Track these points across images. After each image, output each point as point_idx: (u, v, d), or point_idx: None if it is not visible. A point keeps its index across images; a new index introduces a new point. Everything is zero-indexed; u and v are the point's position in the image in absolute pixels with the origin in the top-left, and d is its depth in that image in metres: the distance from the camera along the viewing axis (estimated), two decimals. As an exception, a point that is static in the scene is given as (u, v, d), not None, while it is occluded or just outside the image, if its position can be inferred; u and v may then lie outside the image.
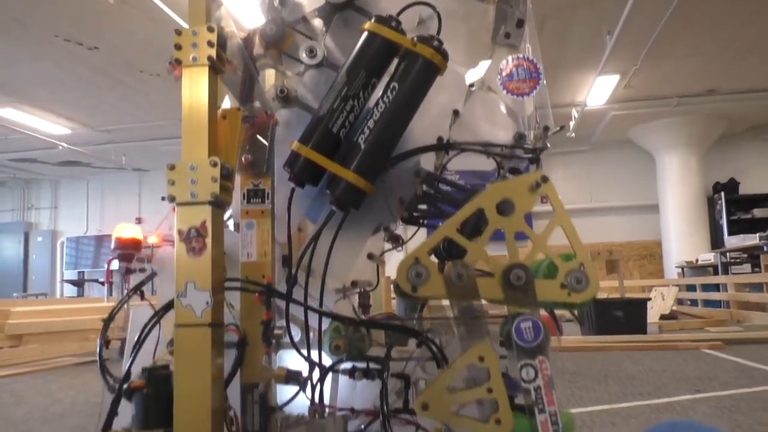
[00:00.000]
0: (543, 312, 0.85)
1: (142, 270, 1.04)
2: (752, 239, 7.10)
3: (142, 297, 1.05)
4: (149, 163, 10.87)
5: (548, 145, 1.07)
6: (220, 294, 0.94)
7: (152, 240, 1.09)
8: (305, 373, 1.01)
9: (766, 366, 3.24)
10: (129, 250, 1.00)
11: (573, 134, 9.15)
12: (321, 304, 1.02)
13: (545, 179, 0.89)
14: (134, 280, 1.01)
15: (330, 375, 1.02)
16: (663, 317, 6.36)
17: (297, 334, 1.03)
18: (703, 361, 3.60)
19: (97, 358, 1.04)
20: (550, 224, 0.98)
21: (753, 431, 1.70)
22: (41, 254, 12.30)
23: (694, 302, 7.74)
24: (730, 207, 9.40)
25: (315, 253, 1.02)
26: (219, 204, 0.97)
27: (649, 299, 6.00)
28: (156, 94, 7.58)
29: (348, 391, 1.05)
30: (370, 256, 1.14)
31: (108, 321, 1.07)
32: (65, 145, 9.31)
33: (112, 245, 1.00)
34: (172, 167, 0.96)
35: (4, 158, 10.35)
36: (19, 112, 7.99)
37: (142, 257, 1.05)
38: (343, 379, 1.04)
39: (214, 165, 0.95)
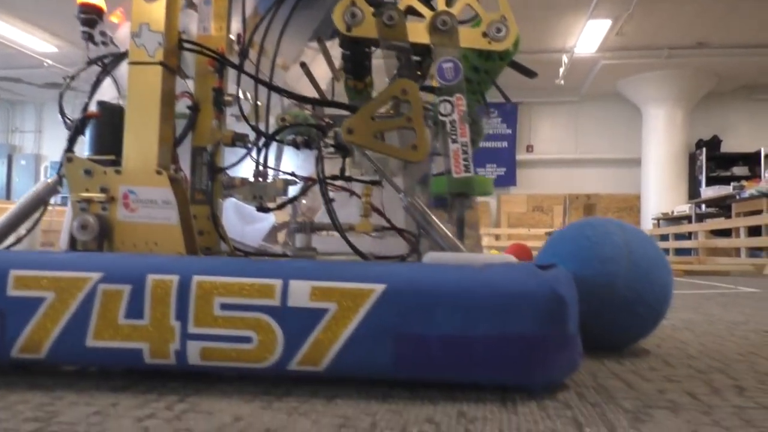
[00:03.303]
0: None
1: (104, 44, 1.09)
2: (726, 190, 7.25)
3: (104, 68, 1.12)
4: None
5: None
6: (173, 42, 1.00)
7: (114, 19, 1.12)
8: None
9: (709, 283, 3.41)
10: (92, 15, 1.03)
11: (562, 82, 9.17)
12: (270, 79, 1.09)
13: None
14: (93, 51, 1.06)
15: (276, 145, 1.10)
16: (633, 259, 6.52)
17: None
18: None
19: (59, 103, 1.11)
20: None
21: (689, 308, 1.85)
22: (24, 178, 12.26)
23: (666, 251, 7.94)
24: (711, 164, 9.54)
25: (267, 33, 1.09)
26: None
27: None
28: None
29: (292, 160, 1.13)
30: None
31: (71, 78, 1.14)
32: (50, 62, 9.18)
33: (76, 11, 1.04)
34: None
35: (-13, 74, 10.20)
36: (2, 24, 7.85)
37: (105, 31, 1.08)
38: (288, 150, 1.13)
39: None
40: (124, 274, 0.78)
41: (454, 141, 0.86)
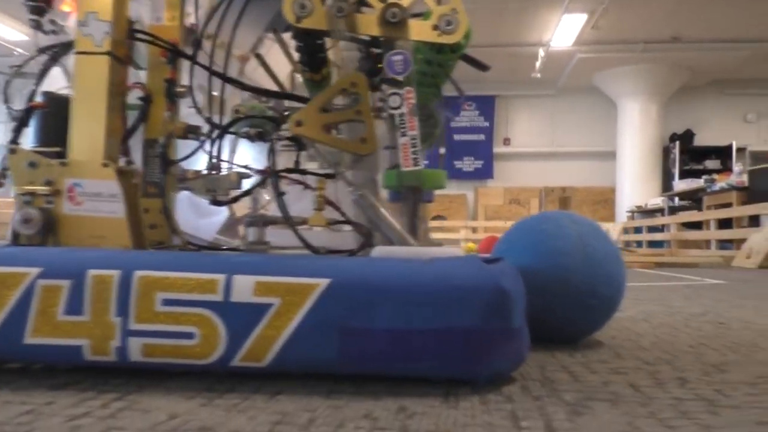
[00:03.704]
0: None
1: (54, 32, 1.05)
2: (698, 183, 7.37)
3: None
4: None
5: None
6: (122, 33, 0.98)
7: (66, 7, 1.09)
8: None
9: (677, 275, 3.46)
10: (39, 2, 0.99)
11: (539, 75, 9.23)
12: (225, 71, 1.08)
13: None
14: (43, 40, 1.03)
15: (230, 137, 1.09)
16: (606, 251, 6.60)
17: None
18: (633, 272, 3.81)
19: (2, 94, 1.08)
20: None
21: (652, 300, 1.87)
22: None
23: (639, 244, 8.05)
24: (684, 157, 9.67)
25: (221, 24, 1.07)
26: None
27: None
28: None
29: (249, 153, 1.12)
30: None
31: (19, 67, 1.11)
32: (21, 51, 9.00)
33: (24, -1, 1.01)
34: None
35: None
36: (-29, 10, 7.66)
37: (54, 20, 1.05)
38: (242, 142, 1.11)
39: None
40: (64, 269, 0.76)
41: (404, 134, 0.85)
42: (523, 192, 10.50)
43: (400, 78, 0.86)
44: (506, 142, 10.91)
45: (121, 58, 0.97)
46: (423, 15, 0.91)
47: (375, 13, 0.87)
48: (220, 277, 0.75)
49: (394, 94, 0.86)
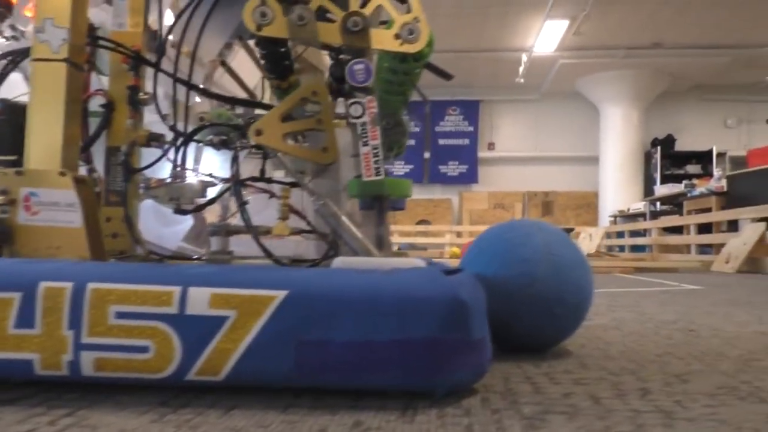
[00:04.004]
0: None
1: (15, 38, 1.03)
2: (679, 188, 7.44)
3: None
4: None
5: None
6: (81, 39, 0.96)
7: (28, 13, 1.07)
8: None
9: (656, 280, 3.48)
10: (0, 8, 0.97)
11: (522, 80, 9.28)
12: (190, 78, 1.06)
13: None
14: (3, 46, 1.01)
15: (195, 145, 1.07)
16: (589, 255, 6.65)
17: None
18: (612, 278, 3.83)
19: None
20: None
21: (626, 307, 1.88)
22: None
23: (621, 248, 8.11)
24: (665, 162, 9.77)
25: (186, 29, 1.06)
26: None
27: (572, 229, 6.26)
28: None
29: (214, 161, 1.11)
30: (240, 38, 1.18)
31: None
32: None
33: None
34: None
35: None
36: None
37: (15, 25, 1.03)
38: (207, 150, 1.10)
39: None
40: (15, 281, 0.74)
41: (365, 144, 0.84)
42: (507, 196, 10.54)
43: (362, 87, 0.85)
44: (491, 146, 10.95)
45: (79, 64, 0.95)
46: (387, 23, 0.91)
47: (337, 21, 0.86)
48: (176, 290, 0.73)
49: (356, 103, 0.85)
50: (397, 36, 0.87)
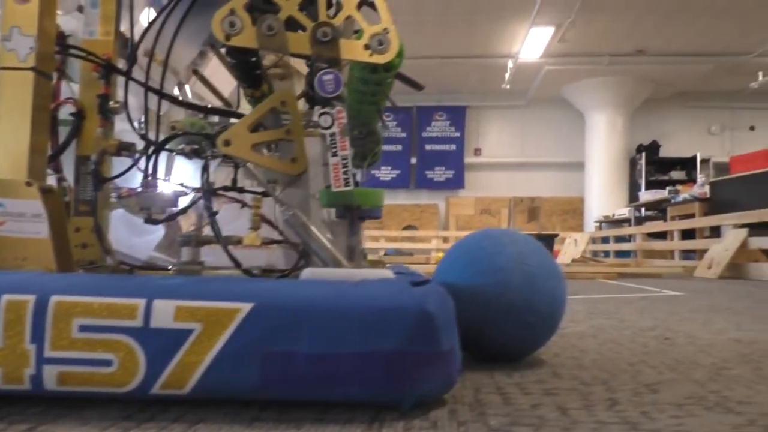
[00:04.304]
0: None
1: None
2: (663, 194, 7.50)
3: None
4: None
5: None
6: (49, 47, 0.95)
7: None
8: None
9: (638, 286, 3.51)
10: None
11: (508, 86, 9.33)
12: (161, 87, 1.05)
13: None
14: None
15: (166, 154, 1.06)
16: (574, 260, 6.68)
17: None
18: (595, 283, 3.85)
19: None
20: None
21: (605, 313, 1.88)
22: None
23: (606, 254, 8.15)
24: (650, 168, 9.85)
25: (158, 37, 1.05)
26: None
27: (557, 235, 6.28)
28: None
29: (183, 170, 1.10)
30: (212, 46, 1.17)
31: None
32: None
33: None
34: None
35: None
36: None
37: None
38: (178, 159, 1.09)
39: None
40: (-24, 293, 0.73)
41: (335, 154, 0.84)
42: (494, 202, 10.58)
43: (332, 97, 0.85)
44: (477, 152, 10.99)
45: (47, 73, 0.94)
46: (358, 33, 0.91)
47: (304, 34, 0.86)
48: (140, 302, 0.73)
49: (325, 113, 0.84)
50: (366, 46, 0.87)
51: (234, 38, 0.85)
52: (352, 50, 0.87)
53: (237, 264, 0.92)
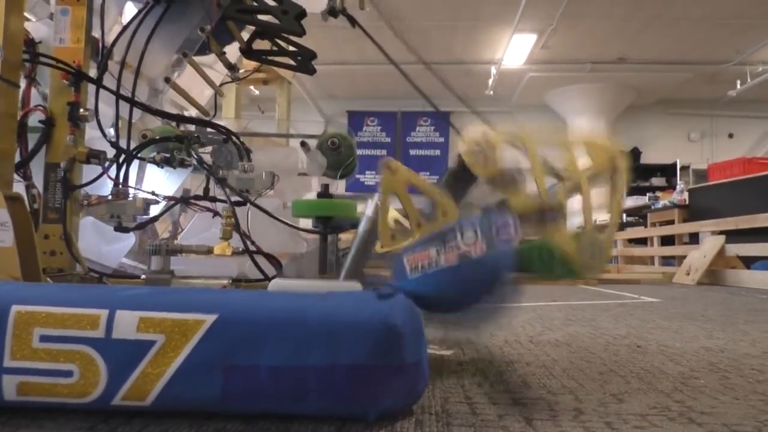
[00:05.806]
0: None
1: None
2: (643, 200, 7.58)
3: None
4: None
5: None
6: (16, 55, 0.94)
7: None
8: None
9: (617, 292, 3.54)
10: None
11: (491, 92, 9.38)
12: (133, 95, 1.05)
13: None
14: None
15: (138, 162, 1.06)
16: (556, 266, 6.70)
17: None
18: (573, 289, 3.87)
19: None
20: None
21: (582, 321, 1.90)
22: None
23: (588, 259, 8.19)
24: (631, 174, 9.94)
25: (131, 45, 1.05)
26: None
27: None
28: None
29: (155, 178, 1.09)
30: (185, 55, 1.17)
31: None
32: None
33: None
34: None
35: None
36: None
37: None
38: (150, 168, 1.08)
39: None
40: (-65, 304, 0.72)
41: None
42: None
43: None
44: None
45: (12, 81, 0.93)
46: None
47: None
48: (103, 313, 0.72)
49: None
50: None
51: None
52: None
53: (265, 276, 0.91)
